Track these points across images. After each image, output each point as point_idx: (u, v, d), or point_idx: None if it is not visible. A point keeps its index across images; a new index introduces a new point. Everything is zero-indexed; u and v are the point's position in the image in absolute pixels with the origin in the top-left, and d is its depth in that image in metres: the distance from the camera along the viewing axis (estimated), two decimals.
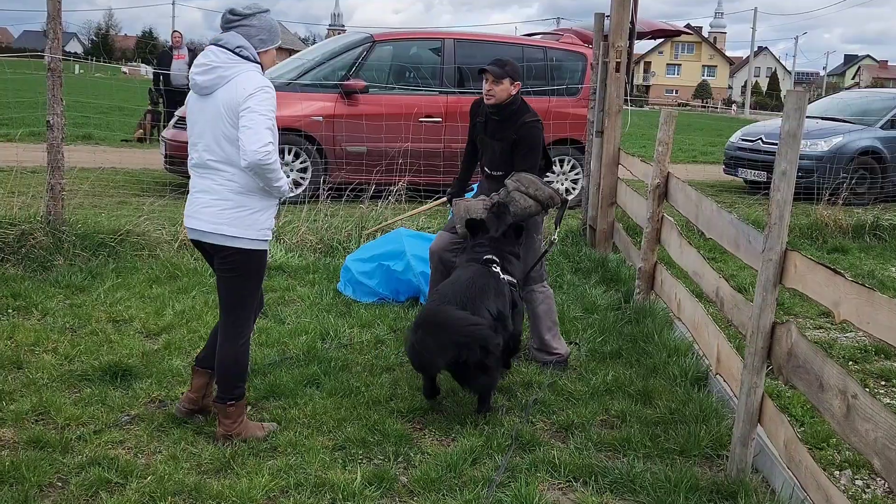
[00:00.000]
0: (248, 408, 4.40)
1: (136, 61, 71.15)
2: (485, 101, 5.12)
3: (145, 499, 3.49)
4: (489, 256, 4.78)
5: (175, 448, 3.94)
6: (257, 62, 3.88)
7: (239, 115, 3.72)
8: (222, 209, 3.86)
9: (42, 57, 7.04)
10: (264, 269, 4.07)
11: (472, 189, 5.99)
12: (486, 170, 5.34)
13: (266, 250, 4.02)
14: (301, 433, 4.17)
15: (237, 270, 3.93)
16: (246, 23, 3.88)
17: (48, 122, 6.88)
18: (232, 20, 3.89)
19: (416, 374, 4.99)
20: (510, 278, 4.81)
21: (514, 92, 5.08)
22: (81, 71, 43.75)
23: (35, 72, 10.68)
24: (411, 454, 4.02)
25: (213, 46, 3.88)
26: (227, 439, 4.01)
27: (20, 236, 6.75)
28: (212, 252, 3.97)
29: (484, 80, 5.07)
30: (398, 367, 5.15)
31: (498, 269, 4.75)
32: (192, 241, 4.08)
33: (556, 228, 5.42)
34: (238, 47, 3.83)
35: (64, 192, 7.05)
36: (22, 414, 4.19)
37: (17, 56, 20.39)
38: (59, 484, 3.61)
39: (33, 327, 5.42)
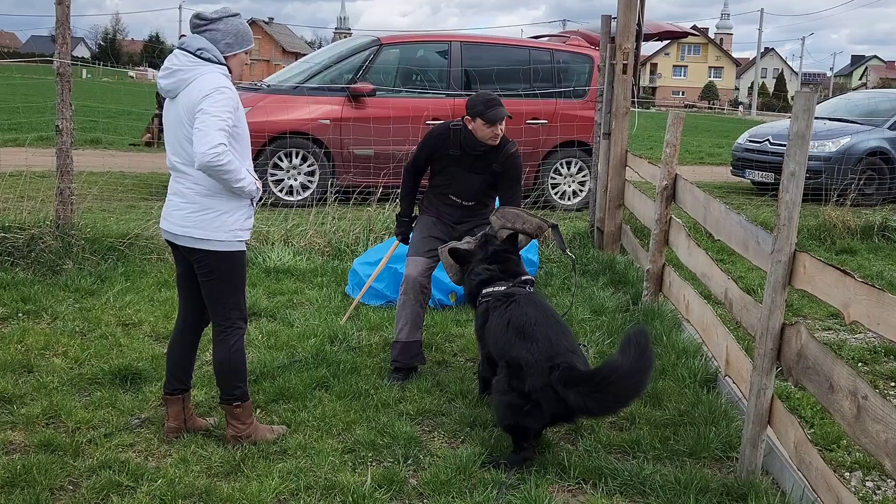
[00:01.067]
0: (258, 411, 4.41)
1: (143, 65, 71.40)
2: (489, 143, 4.89)
3: (156, 502, 3.50)
4: (527, 277, 4.59)
5: (185, 451, 3.95)
6: (222, 64, 3.87)
7: (194, 116, 3.73)
8: (190, 212, 3.88)
9: (50, 62, 7.07)
10: (242, 272, 4.03)
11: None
12: (454, 198, 5.13)
13: (241, 251, 3.98)
14: (311, 436, 4.17)
15: (213, 273, 3.93)
16: (212, 27, 3.88)
17: (57, 126, 6.91)
18: (199, 25, 3.90)
19: (424, 377, 5.00)
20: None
21: None
22: (89, 75, 43.93)
23: (43, 76, 10.74)
24: (421, 456, 4.03)
25: (177, 50, 3.91)
26: (238, 441, 4.02)
27: (30, 240, 6.78)
28: (186, 255, 3.99)
29: (497, 125, 4.82)
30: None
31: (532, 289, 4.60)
32: (166, 241, 4.11)
33: (563, 252, 5.25)
34: (199, 49, 3.83)
35: (73, 197, 7.09)
36: (33, 417, 4.21)
37: (25, 61, 20.46)
38: (70, 487, 3.63)
39: (43, 331, 5.44)
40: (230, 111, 3.74)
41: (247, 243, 4.04)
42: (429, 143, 5.14)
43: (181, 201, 3.92)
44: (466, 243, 4.84)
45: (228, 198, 3.88)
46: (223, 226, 3.88)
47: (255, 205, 4.04)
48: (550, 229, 4.90)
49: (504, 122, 4.86)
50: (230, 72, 3.92)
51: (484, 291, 4.51)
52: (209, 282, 3.95)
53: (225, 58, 3.89)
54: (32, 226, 6.92)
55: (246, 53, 4.01)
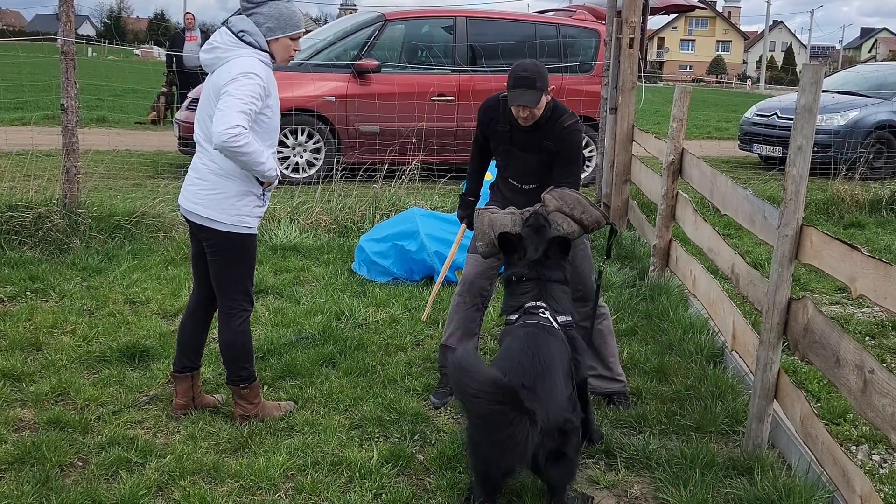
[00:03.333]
0: (265, 387, 4.43)
1: (148, 43, 71.21)
2: (521, 124, 4.24)
3: (164, 478, 3.53)
4: (532, 304, 3.71)
5: (193, 428, 3.98)
6: (263, 49, 3.81)
7: (219, 96, 3.70)
8: (200, 189, 3.87)
9: (55, 40, 7.05)
10: (250, 255, 3.98)
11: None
12: (513, 182, 4.47)
13: (249, 235, 3.93)
14: (318, 412, 4.20)
15: (219, 253, 3.92)
16: (257, 10, 3.84)
17: (62, 105, 6.91)
18: (247, 7, 3.86)
19: (431, 354, 5.01)
20: (564, 318, 3.77)
21: (548, 100, 4.23)
22: (95, 54, 43.77)
23: (48, 55, 10.72)
24: (427, 432, 4.04)
25: (223, 27, 3.89)
26: (246, 419, 4.04)
27: (37, 219, 6.79)
28: (196, 232, 3.99)
29: (519, 109, 4.17)
30: (413, 347, 5.17)
31: (548, 315, 3.69)
32: (183, 216, 4.10)
33: (607, 258, 4.70)
34: (241, 31, 3.79)
35: (79, 175, 7.09)
36: (42, 395, 4.24)
37: (30, 40, 20.48)
38: (80, 464, 3.66)
39: (51, 309, 5.47)
40: (255, 97, 3.68)
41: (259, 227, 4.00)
42: (480, 115, 4.53)
43: (195, 176, 3.91)
44: (510, 214, 4.10)
45: (242, 182, 3.85)
46: (230, 208, 3.85)
47: (265, 197, 3.97)
48: (608, 229, 4.42)
49: (529, 110, 4.15)
50: (273, 57, 3.86)
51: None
52: (215, 261, 3.95)
53: (267, 42, 3.83)
54: (39, 204, 6.93)
55: (292, 39, 3.90)
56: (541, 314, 3.66)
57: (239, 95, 3.64)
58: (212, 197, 3.85)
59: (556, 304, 3.74)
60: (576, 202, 4.07)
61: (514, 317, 3.74)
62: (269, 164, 3.81)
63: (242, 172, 3.81)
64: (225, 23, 3.90)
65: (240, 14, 3.87)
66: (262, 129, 3.82)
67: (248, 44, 3.79)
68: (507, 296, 3.88)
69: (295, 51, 3.97)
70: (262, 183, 3.89)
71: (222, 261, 3.94)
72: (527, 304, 3.71)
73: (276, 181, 3.97)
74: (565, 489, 3.32)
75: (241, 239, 3.91)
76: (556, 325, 3.64)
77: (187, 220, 4.03)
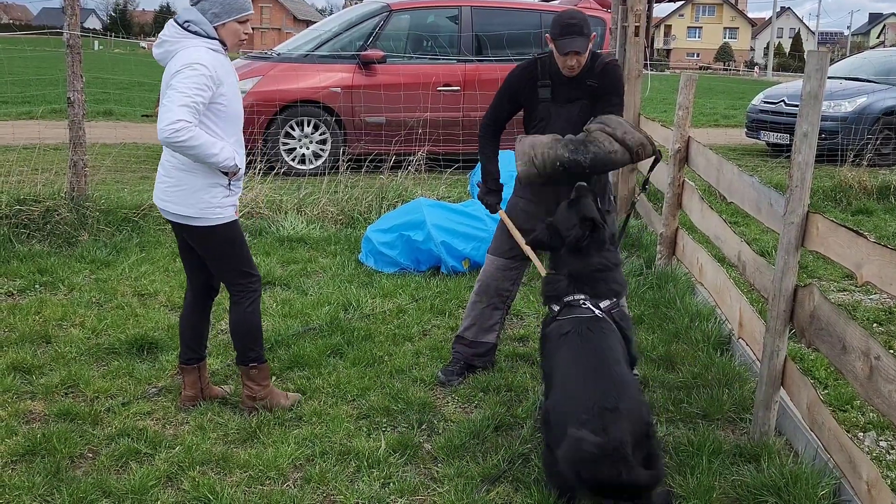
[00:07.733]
0: (273, 378, 4.45)
1: (154, 36, 71.28)
2: (566, 74, 4.19)
3: (174, 468, 3.55)
4: (570, 298, 3.71)
5: (202, 419, 4.00)
6: (210, 37, 3.74)
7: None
8: (168, 186, 3.85)
9: (61, 34, 7.07)
10: (235, 241, 3.93)
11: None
12: None
13: (226, 224, 3.87)
14: (325, 402, 4.21)
15: (202, 246, 3.92)
16: None
17: (69, 98, 6.93)
18: None
19: (438, 344, 5.02)
20: (607, 303, 3.73)
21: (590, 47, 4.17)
22: (101, 47, 43.80)
23: (55, 49, 10.73)
24: (434, 421, 4.06)
25: (169, 21, 3.83)
26: (252, 402, 4.06)
27: (45, 213, 6.82)
28: (173, 227, 3.99)
29: (570, 56, 4.10)
30: (420, 337, 5.19)
31: (589, 305, 3.68)
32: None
33: (644, 187, 4.69)
34: (186, 22, 3.74)
35: (86, 169, 7.11)
36: (52, 387, 4.26)
37: (36, 33, 20.48)
38: (90, 455, 3.68)
39: (60, 302, 5.50)
40: (200, 87, 3.60)
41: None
42: (513, 80, 4.37)
43: (162, 174, 3.89)
44: (552, 137, 4.07)
45: (204, 175, 3.78)
46: (198, 202, 3.80)
47: (232, 187, 3.88)
48: (654, 157, 4.26)
49: (580, 56, 4.10)
50: (224, 44, 3.80)
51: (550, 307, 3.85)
52: (203, 254, 3.96)
53: (215, 29, 3.78)
54: (47, 198, 6.95)
55: (240, 23, 3.82)
56: (582, 305, 3.68)
57: (182, 89, 3.57)
58: (179, 193, 3.81)
59: (594, 290, 3.72)
60: (617, 123, 4.08)
61: (556, 308, 3.77)
62: (224, 155, 3.71)
63: (204, 165, 3.75)
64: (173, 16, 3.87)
65: (189, 5, 3.82)
66: (221, 119, 3.75)
67: (195, 33, 3.72)
68: (545, 282, 3.89)
69: (245, 34, 3.88)
70: (226, 173, 3.82)
71: (210, 253, 3.94)
72: (565, 299, 3.71)
73: (241, 170, 3.89)
74: (656, 488, 3.18)
75: (219, 229, 3.87)
76: (599, 314, 3.65)
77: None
